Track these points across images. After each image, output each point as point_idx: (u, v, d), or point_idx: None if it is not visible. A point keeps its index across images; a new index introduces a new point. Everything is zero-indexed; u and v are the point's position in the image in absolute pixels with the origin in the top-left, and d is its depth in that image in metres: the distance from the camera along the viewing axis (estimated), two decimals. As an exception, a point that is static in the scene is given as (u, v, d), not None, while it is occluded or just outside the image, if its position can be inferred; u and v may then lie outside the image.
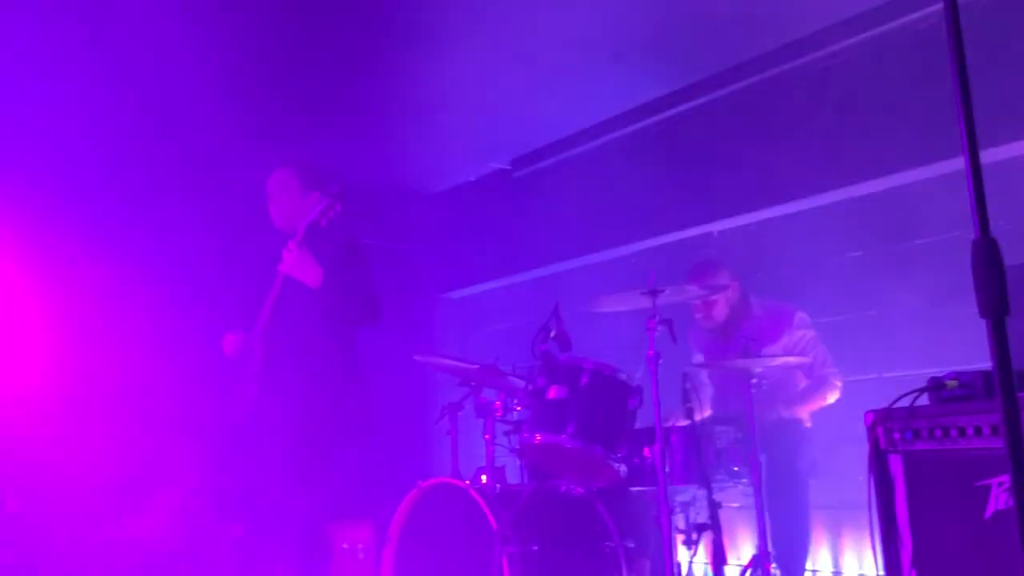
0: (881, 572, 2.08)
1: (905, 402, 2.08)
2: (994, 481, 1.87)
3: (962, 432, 1.94)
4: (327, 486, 3.50)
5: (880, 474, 2.11)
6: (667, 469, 3.05)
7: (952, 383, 2.03)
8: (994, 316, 1.21)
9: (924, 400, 2.09)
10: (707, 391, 4.05)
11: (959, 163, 3.82)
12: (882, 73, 3.97)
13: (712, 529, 3.11)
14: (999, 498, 1.86)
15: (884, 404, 2.15)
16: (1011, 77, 3.45)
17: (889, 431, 2.10)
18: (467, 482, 3.37)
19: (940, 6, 3.91)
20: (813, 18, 4.15)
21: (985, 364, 2.28)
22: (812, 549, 3.89)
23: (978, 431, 1.91)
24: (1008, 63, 3.47)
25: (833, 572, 4.23)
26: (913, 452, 2.05)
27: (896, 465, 2.09)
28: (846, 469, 4.00)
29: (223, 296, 4.04)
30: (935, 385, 2.07)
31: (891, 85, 3.89)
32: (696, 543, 3.23)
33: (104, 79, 4.24)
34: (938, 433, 1.98)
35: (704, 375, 4.06)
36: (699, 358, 4.12)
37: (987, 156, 3.47)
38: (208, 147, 4.80)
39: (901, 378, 4.02)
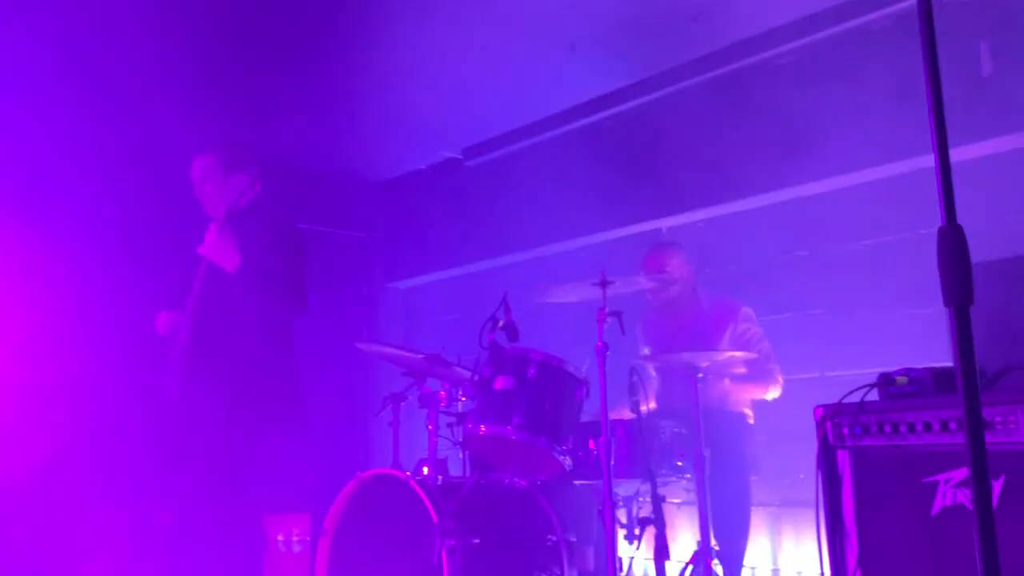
0: (826, 570, 2.07)
1: (855, 397, 2.07)
2: (941, 478, 1.86)
3: (911, 428, 1.93)
4: (259, 476, 3.40)
5: (828, 470, 2.09)
6: (612, 462, 3.01)
7: (902, 379, 2.02)
8: (958, 304, 1.17)
9: (873, 396, 2.08)
10: (653, 384, 4.03)
11: (908, 165, 3.88)
12: (835, 73, 3.99)
13: (656, 523, 3.08)
14: (946, 495, 1.85)
15: (826, 403, 2.14)
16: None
17: (838, 426, 2.08)
18: (408, 473, 3.29)
19: (898, 6, 3.95)
20: (769, 15, 4.15)
21: (927, 364, 2.31)
22: (751, 545, 3.89)
23: (927, 427, 1.90)
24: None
25: (772, 569, 4.25)
26: (861, 448, 2.04)
27: (844, 461, 2.07)
28: (786, 466, 4.04)
29: (157, 278, 3.91)
30: (885, 381, 2.06)
31: (844, 85, 3.91)
32: (639, 538, 3.20)
33: (30, 55, 4.05)
34: (888, 429, 1.97)
35: (651, 368, 4.05)
36: (646, 351, 4.10)
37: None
38: (145, 127, 4.64)
39: (843, 377, 4.05)
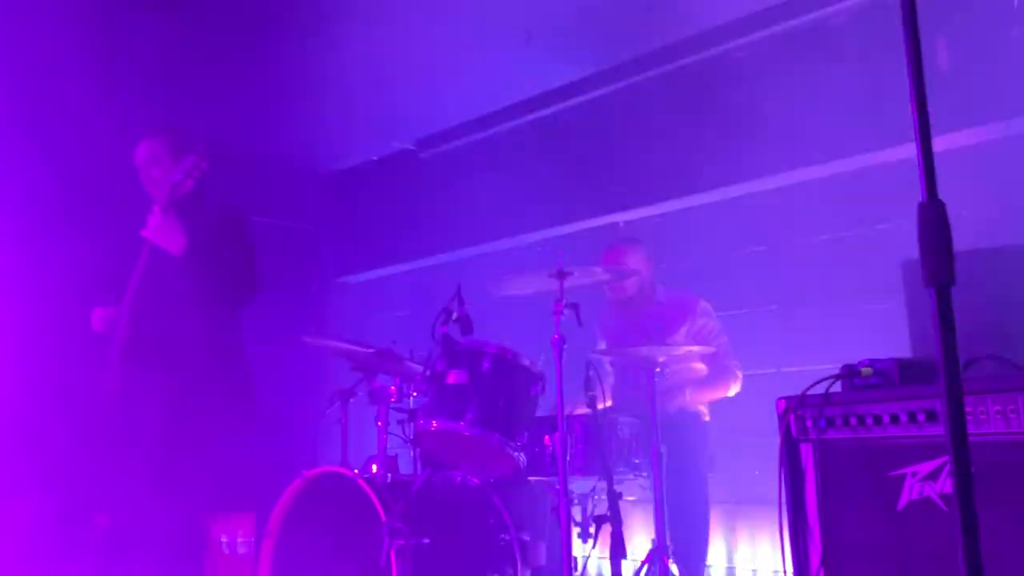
0: (789, 567, 2.00)
1: (819, 389, 2.01)
2: (908, 471, 1.81)
3: (877, 420, 1.87)
4: (202, 475, 3.25)
5: (790, 465, 2.03)
6: (568, 459, 2.92)
7: (866, 370, 1.96)
8: (939, 284, 1.10)
9: (837, 388, 2.02)
10: (609, 379, 3.97)
11: (865, 160, 3.86)
12: (792, 67, 3.97)
13: (612, 521, 3.00)
14: (913, 488, 1.80)
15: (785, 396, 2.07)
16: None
17: (801, 419, 2.02)
18: (355, 471, 3.16)
19: (851, 3, 3.94)
20: (724, 10, 4.13)
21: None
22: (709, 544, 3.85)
23: (894, 419, 1.84)
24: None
25: (727, 567, 4.21)
26: (825, 441, 1.98)
27: (807, 454, 2.01)
28: (743, 464, 4.00)
29: (94, 266, 3.74)
30: (849, 372, 2.00)
31: (800, 80, 3.89)
32: (594, 536, 3.12)
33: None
34: (853, 421, 1.91)
35: (607, 363, 3.98)
36: (603, 345, 4.03)
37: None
38: (84, 112, 4.44)
39: (800, 373, 4.04)
